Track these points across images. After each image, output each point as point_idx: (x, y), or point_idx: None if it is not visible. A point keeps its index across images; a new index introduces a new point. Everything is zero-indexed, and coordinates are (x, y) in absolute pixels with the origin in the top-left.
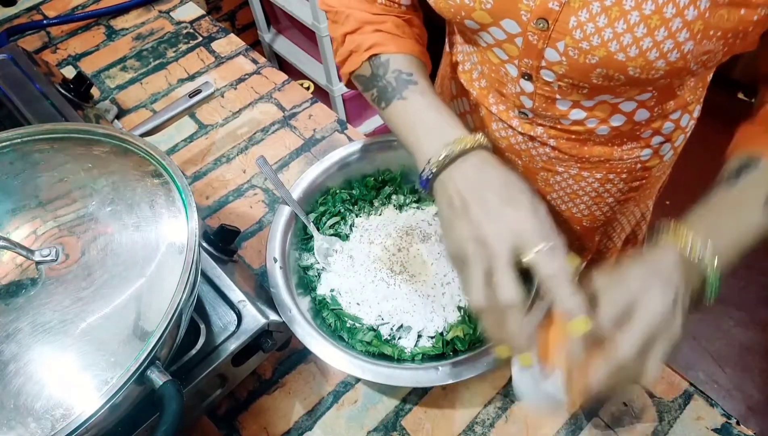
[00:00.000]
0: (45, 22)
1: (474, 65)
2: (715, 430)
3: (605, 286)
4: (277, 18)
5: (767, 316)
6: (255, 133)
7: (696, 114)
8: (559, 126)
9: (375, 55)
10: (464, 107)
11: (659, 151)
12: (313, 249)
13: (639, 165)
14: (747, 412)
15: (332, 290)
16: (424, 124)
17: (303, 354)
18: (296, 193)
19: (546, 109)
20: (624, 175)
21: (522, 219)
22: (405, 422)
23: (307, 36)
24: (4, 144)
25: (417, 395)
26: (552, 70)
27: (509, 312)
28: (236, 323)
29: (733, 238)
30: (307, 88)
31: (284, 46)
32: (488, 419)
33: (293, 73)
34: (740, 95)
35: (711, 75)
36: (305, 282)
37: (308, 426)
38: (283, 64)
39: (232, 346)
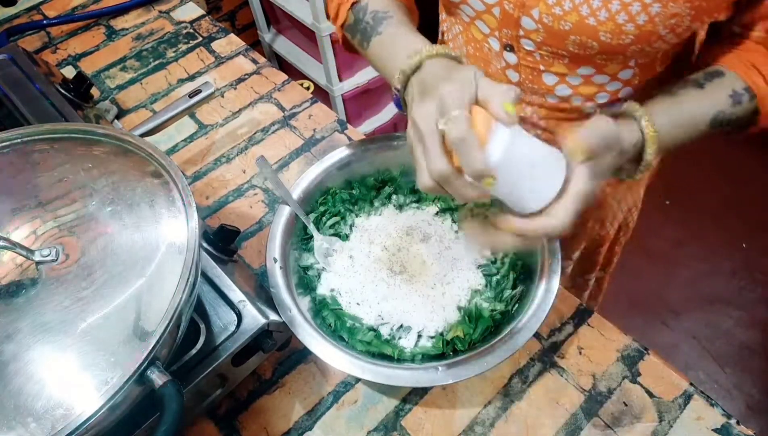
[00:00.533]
0: (45, 22)
1: (460, 45)
2: (715, 430)
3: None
4: (277, 18)
5: (767, 316)
6: (255, 133)
7: None
8: (546, 105)
9: (357, 2)
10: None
11: None
12: (313, 249)
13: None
14: (747, 412)
15: (332, 290)
16: (397, 47)
17: (303, 354)
18: (296, 193)
19: (532, 81)
20: None
21: (446, 93)
22: (405, 422)
23: (307, 36)
24: (4, 144)
25: (417, 395)
26: (530, 39)
27: (447, 184)
28: (236, 323)
29: (676, 126)
30: (307, 88)
31: (284, 46)
32: (488, 419)
33: (293, 73)
34: None
35: (694, 55)
36: (305, 282)
37: (308, 426)
38: (283, 64)
39: (232, 346)
